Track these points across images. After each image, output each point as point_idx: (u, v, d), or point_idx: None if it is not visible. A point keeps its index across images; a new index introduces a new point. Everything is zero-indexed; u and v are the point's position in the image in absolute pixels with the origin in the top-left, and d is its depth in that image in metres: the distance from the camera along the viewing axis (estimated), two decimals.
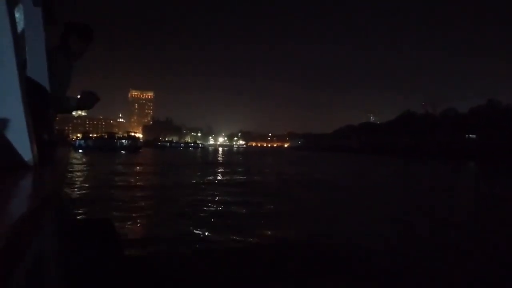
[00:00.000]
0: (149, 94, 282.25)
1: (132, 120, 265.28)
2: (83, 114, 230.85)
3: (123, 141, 58.89)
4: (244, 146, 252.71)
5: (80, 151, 46.06)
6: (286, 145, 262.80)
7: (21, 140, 1.30)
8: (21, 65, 1.31)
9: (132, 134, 65.89)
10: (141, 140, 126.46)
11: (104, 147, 52.12)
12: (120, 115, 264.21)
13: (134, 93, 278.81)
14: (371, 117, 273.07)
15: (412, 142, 72.40)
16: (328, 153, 77.79)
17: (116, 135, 67.61)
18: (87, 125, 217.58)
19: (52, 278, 1.41)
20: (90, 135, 69.77)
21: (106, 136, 63.37)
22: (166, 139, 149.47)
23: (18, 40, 1.31)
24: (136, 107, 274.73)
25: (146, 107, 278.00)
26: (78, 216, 7.20)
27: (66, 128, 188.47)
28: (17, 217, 0.60)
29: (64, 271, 2.05)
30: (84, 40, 2.87)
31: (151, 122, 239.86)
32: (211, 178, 16.77)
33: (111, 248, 3.80)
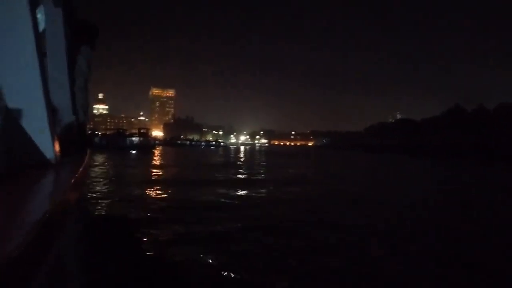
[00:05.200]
0: (170, 92, 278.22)
1: (153, 118, 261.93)
2: (105, 112, 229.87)
3: (134, 138, 51.46)
4: (267, 144, 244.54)
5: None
6: (310, 144, 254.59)
7: (44, 139, 1.33)
8: (43, 65, 1.36)
9: (144, 131, 58.02)
10: (161, 138, 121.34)
11: (112, 145, 45.06)
12: (141, 113, 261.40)
13: (155, 91, 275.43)
14: (398, 116, 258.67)
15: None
16: (366, 153, 68.69)
17: (127, 132, 60.27)
18: (108, 123, 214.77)
19: (72, 275, 1.45)
20: (97, 132, 62.65)
21: (114, 133, 56.24)
22: (187, 137, 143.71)
23: (40, 41, 1.36)
24: (157, 105, 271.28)
25: (167, 105, 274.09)
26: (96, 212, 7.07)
27: (88, 125, 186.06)
28: (40, 216, 0.60)
29: (83, 268, 2.18)
30: (89, 37, 3.12)
31: (172, 120, 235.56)
32: None
33: (128, 247, 4.22)
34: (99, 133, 58.06)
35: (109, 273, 3.50)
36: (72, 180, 1.11)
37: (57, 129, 1.94)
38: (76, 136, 2.84)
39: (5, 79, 1.23)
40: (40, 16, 2.33)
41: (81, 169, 1.41)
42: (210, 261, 4.75)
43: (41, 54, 1.35)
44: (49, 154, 1.34)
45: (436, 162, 40.30)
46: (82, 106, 3.26)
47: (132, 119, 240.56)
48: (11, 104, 1.23)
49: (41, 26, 2.36)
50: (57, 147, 1.40)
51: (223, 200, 9.60)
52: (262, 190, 11.82)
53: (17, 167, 1.20)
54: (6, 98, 1.23)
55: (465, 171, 27.45)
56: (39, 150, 1.31)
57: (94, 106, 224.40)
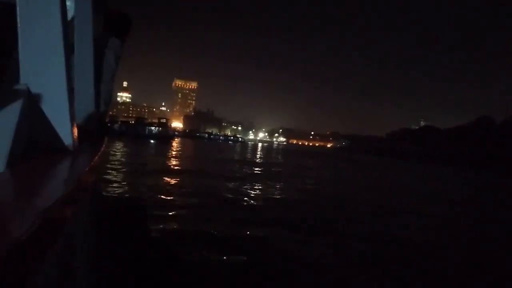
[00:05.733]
0: (193, 84, 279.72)
1: (175, 109, 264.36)
2: (128, 100, 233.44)
3: (153, 128, 51.59)
4: (285, 143, 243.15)
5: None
6: (329, 145, 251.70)
7: (63, 125, 1.35)
8: (69, 53, 1.39)
9: (163, 121, 58.05)
10: (180, 130, 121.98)
11: (131, 133, 45.29)
12: (163, 104, 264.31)
13: (178, 82, 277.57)
14: (422, 123, 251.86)
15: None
16: (390, 159, 66.92)
17: (146, 121, 60.48)
18: (130, 111, 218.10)
19: (81, 260, 1.50)
20: (117, 119, 63.05)
21: (133, 122, 56.47)
22: (206, 130, 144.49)
23: (67, 28, 1.38)
24: (179, 96, 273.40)
25: (189, 97, 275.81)
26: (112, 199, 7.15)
27: (111, 113, 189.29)
28: (53, 201, 0.61)
29: (93, 254, 2.21)
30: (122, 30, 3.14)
31: (193, 113, 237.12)
32: None
33: (140, 235, 4.27)
34: (119, 121, 58.38)
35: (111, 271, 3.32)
36: (87, 168, 1.12)
37: (77, 117, 2.00)
38: (95, 125, 2.79)
39: (29, 63, 1.24)
40: (69, 3, 2.36)
41: (96, 157, 1.41)
42: (211, 260, 4.46)
43: (68, 41, 1.35)
44: (67, 141, 1.34)
45: (463, 172, 38.63)
46: (104, 98, 3.28)
47: (154, 109, 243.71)
48: (33, 88, 1.23)
49: (70, 14, 2.36)
50: (75, 134, 1.40)
51: (237, 198, 9.04)
52: (275, 193, 11.20)
53: (35, 152, 1.21)
54: (29, 81, 1.23)
55: (495, 184, 26.02)
56: (58, 136, 1.32)
57: (118, 93, 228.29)
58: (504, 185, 25.44)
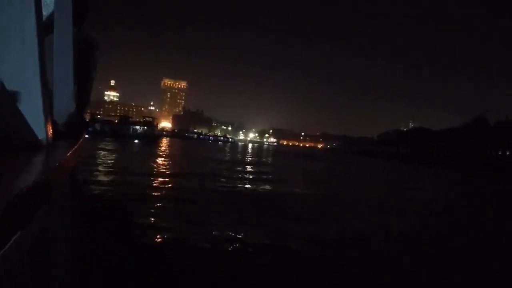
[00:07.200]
0: (182, 84, 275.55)
1: (164, 109, 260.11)
2: (115, 99, 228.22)
3: (138, 127, 48.56)
4: (275, 144, 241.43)
5: (86, 136, 36.55)
6: (319, 146, 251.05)
7: (37, 120, 1.33)
8: (43, 47, 1.35)
9: (149, 119, 54.97)
10: (169, 130, 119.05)
11: (114, 133, 42.35)
12: (152, 103, 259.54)
13: (167, 81, 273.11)
14: (410, 124, 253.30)
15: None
16: (382, 160, 65.39)
17: (131, 120, 57.23)
18: (118, 111, 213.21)
19: (59, 254, 1.49)
20: (99, 117, 59.63)
21: (117, 121, 53.23)
22: (196, 130, 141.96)
23: (41, 20, 1.35)
24: (168, 96, 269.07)
25: (178, 96, 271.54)
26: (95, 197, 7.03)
27: (97, 112, 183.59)
28: (17, 192, 0.60)
29: (73, 249, 2.26)
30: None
31: (182, 113, 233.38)
32: None
33: (122, 234, 3.95)
34: (102, 119, 55.07)
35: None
36: (57, 163, 1.08)
37: (55, 113, 2.02)
38: (74, 122, 2.67)
39: (2, 57, 1.22)
40: None
41: (70, 153, 1.35)
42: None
43: (42, 36, 1.31)
44: (41, 136, 1.30)
45: (461, 175, 37.24)
46: (85, 95, 3.20)
47: (142, 108, 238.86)
48: (6, 81, 1.22)
49: (50, 9, 2.37)
50: (50, 129, 1.36)
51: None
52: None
53: (6, 146, 1.18)
54: (2, 75, 1.21)
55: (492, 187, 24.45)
56: (31, 131, 1.28)
57: (105, 92, 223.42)
58: (499, 187, 23.92)
